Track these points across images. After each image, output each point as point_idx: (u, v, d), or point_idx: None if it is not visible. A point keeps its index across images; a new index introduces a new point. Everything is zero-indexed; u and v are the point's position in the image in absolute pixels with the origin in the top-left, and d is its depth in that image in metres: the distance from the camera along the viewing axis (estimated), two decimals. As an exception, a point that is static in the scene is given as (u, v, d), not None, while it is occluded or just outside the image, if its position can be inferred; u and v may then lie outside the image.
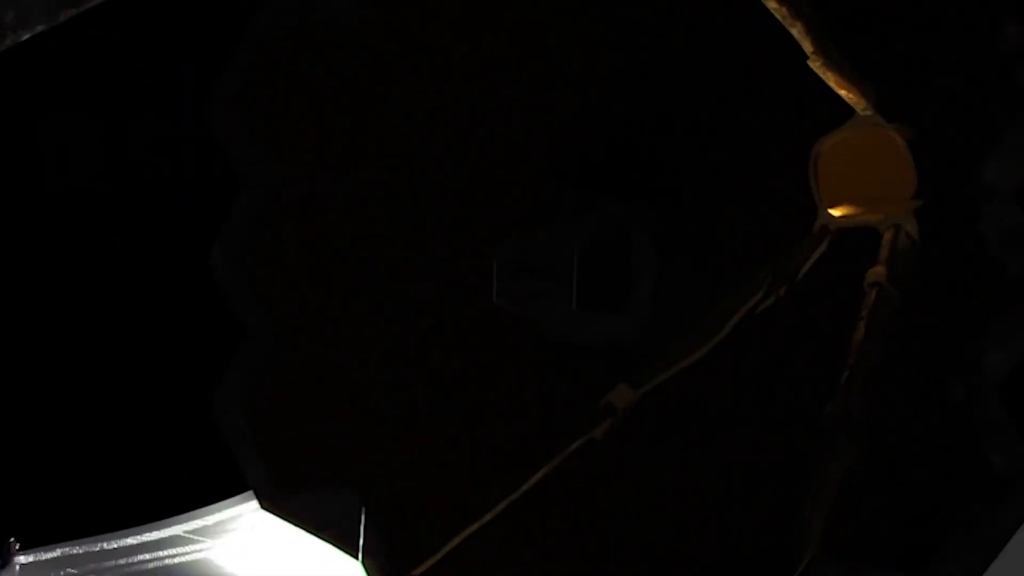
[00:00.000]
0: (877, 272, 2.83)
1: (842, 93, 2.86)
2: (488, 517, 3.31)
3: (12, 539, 3.90)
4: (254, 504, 3.55)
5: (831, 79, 2.78)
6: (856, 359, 2.76)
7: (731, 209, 3.20)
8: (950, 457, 2.81)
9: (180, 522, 4.14)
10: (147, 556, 4.11)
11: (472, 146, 3.38)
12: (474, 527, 3.35)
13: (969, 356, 2.76)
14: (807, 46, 2.69)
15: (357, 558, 3.34)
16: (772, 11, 2.69)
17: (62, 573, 4.03)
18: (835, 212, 3.04)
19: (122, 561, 4.09)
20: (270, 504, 3.42)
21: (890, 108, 2.89)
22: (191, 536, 4.13)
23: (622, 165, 3.28)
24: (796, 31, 2.68)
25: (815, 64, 2.72)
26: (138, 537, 4.14)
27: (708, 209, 3.23)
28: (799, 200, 3.07)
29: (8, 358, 4.30)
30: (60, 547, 4.08)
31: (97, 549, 4.11)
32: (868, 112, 2.90)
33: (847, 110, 2.93)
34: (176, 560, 4.11)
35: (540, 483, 3.30)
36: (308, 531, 3.40)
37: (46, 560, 4.04)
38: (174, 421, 4.21)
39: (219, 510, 4.11)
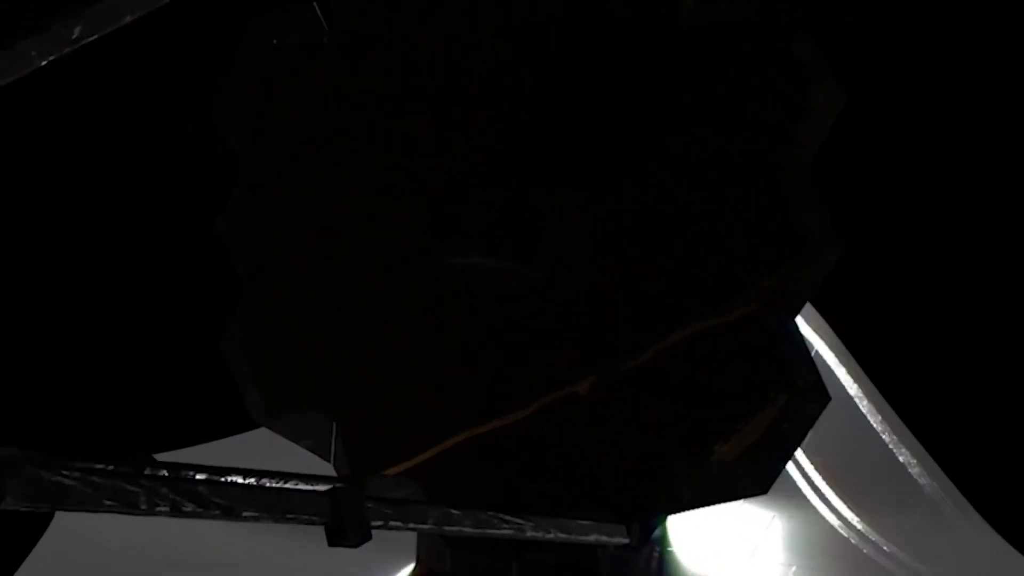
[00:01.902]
0: None
1: None
2: (449, 444, 4.02)
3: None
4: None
5: None
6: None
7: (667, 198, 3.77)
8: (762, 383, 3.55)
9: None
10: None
11: (457, 141, 3.89)
12: (437, 448, 4.07)
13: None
14: None
15: (331, 462, 4.11)
16: None
17: None
18: None
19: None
20: (264, 422, 4.18)
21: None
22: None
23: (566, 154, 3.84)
24: None
25: None
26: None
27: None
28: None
29: (7, 357, 4.38)
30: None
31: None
32: None
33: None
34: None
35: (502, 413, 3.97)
36: (293, 441, 4.16)
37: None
38: (174, 416, 4.51)
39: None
